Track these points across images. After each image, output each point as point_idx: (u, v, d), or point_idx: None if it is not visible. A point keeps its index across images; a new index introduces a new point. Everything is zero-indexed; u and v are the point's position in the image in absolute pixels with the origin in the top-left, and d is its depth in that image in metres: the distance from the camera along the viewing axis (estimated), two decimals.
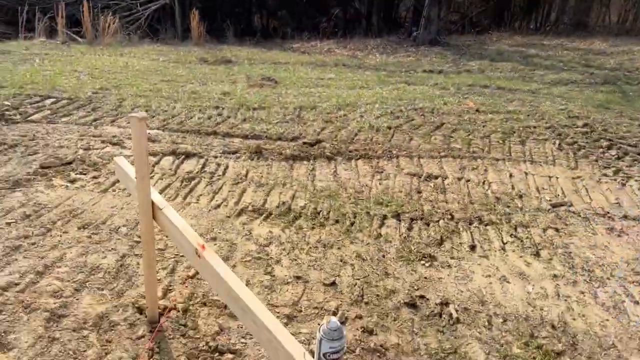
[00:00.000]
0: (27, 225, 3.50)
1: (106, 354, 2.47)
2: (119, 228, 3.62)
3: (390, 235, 3.81)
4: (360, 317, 2.96)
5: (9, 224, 3.49)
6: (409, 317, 3.00)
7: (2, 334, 2.51)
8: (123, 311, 2.75)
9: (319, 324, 1.53)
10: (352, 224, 3.94)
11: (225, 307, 2.84)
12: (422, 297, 3.18)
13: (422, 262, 3.52)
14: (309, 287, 3.15)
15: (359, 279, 3.28)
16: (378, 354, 2.73)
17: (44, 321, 2.60)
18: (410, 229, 3.91)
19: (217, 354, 2.57)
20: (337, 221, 3.96)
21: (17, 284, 2.83)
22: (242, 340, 2.69)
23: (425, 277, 3.36)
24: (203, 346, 2.60)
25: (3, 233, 3.35)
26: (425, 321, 2.99)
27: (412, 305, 3.10)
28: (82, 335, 2.56)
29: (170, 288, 2.99)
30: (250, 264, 3.33)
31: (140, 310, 2.75)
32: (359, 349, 2.73)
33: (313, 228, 3.85)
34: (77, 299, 2.78)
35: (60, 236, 3.42)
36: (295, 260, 3.43)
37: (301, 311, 2.94)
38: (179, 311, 2.79)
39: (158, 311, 2.70)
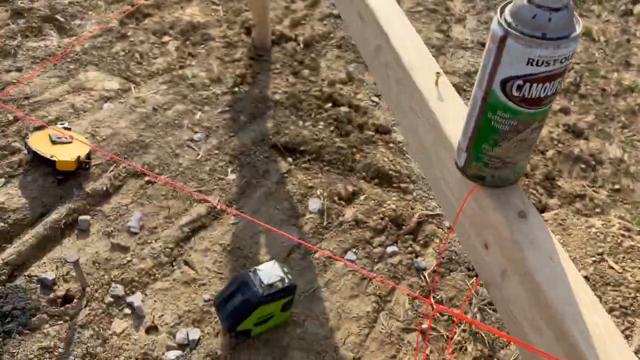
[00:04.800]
0: None
1: (180, 67, 1.79)
2: None
3: None
4: (567, 112, 1.88)
5: None
6: None
7: (68, 17, 1.95)
8: (228, 28, 2.01)
9: None
10: None
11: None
12: None
13: None
14: None
15: (578, 64, 2.12)
16: (583, 164, 1.69)
17: (120, 14, 1.97)
18: None
19: (329, 104, 1.75)
20: None
21: None
22: (373, 98, 1.83)
23: None
24: (315, 91, 1.79)
25: None
26: None
27: None
28: (162, 41, 1.90)
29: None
30: (419, 17, 2.33)
31: (249, 32, 1.99)
32: (554, 152, 1.71)
33: None
34: (181, 7, 2.10)
35: None
36: (487, 23, 2.33)
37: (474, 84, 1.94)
38: (299, 44, 1.97)
39: (271, 38, 1.92)
